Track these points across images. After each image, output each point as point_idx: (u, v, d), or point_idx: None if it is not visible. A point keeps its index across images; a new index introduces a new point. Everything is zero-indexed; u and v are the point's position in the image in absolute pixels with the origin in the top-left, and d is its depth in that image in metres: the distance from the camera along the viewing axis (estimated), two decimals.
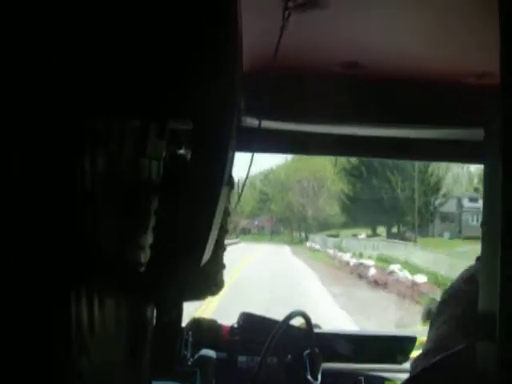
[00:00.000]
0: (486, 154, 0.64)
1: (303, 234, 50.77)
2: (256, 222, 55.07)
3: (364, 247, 29.52)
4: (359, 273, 20.16)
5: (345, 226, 45.12)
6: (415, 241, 30.16)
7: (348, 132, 1.47)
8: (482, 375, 0.65)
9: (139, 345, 0.78)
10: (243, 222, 53.23)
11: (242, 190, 1.08)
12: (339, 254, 28.04)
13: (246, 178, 1.01)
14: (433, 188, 35.36)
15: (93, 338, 0.66)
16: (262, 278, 16.97)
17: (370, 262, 21.36)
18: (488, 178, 0.66)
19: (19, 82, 0.55)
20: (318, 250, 34.99)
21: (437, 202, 35.65)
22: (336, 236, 40.08)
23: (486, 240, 0.65)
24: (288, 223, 53.98)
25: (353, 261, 23.35)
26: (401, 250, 24.74)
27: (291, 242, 47.31)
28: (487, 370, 0.62)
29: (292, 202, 49.79)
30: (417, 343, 2.01)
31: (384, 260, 23.27)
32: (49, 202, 0.61)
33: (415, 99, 1.35)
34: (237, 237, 45.54)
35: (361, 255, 26.04)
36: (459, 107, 1.35)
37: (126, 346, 0.75)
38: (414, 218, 33.01)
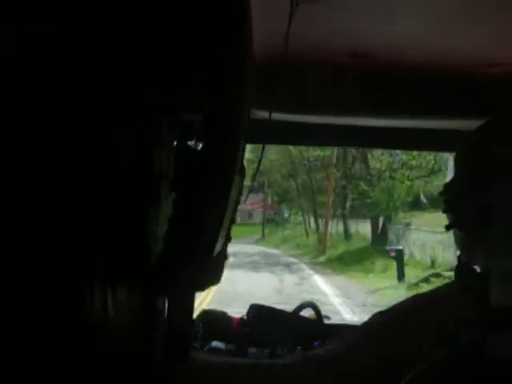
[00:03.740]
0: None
1: (354, 225, 19.89)
2: (240, 206, 27.93)
3: None
4: None
5: None
6: None
7: (358, 123, 1.47)
8: (496, 364, 0.66)
9: (151, 332, 0.79)
10: None
11: (254, 180, 1.08)
12: None
13: (257, 169, 1.01)
14: None
15: (106, 325, 0.67)
16: None
17: None
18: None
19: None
20: None
21: None
22: None
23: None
24: (304, 197, 23.26)
25: None
26: None
27: (317, 257, 18.03)
28: (502, 359, 0.62)
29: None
30: None
31: None
32: (61, 192, 0.62)
33: (426, 89, 1.34)
34: None
35: None
36: (469, 97, 1.34)
37: (139, 334, 0.75)
38: None
